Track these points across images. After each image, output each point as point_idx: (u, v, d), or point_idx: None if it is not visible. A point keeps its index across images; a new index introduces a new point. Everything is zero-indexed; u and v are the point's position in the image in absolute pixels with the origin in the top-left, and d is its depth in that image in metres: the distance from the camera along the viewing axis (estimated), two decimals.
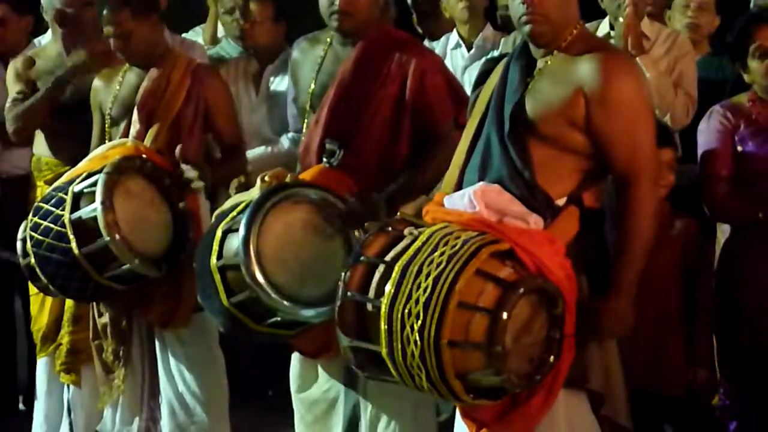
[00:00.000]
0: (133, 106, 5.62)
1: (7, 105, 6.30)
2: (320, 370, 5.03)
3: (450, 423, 4.38)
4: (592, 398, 4.16)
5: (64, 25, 6.12)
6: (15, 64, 6.33)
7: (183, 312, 5.50)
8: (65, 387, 6.18)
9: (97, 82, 5.86)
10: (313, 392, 5.07)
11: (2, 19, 7.09)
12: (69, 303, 6.03)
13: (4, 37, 7.18)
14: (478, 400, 3.98)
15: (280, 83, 7.03)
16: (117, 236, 5.15)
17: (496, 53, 6.22)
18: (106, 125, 5.75)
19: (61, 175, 5.98)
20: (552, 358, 3.96)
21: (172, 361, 5.66)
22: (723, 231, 5.37)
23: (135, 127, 5.58)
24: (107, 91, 5.78)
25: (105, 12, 5.54)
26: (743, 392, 5.11)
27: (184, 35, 7.51)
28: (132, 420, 5.76)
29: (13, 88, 6.25)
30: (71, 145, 6.11)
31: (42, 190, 6.15)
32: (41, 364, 6.28)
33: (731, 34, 5.30)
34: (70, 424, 6.16)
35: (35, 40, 7.23)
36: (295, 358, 5.10)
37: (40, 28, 7.19)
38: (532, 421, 4.07)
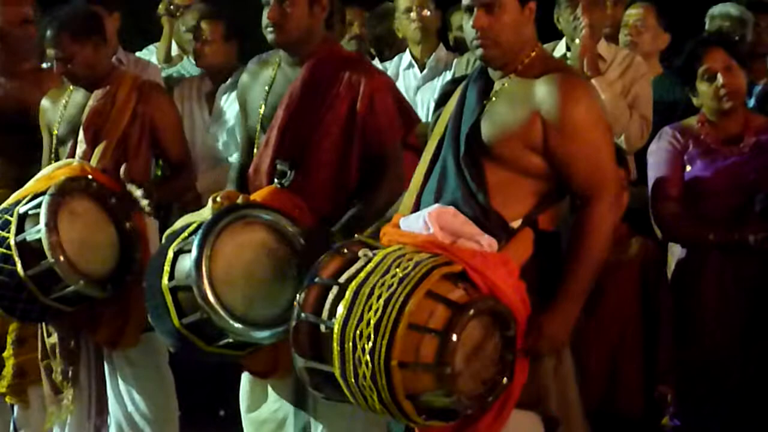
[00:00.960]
0: (79, 126, 5.61)
1: None
2: (270, 390, 5.01)
3: None
4: (547, 421, 4.16)
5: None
6: None
7: (131, 332, 5.49)
8: (11, 407, 6.19)
9: (45, 102, 5.86)
10: (263, 412, 5.05)
11: None
12: (13, 325, 6.03)
13: None
14: (430, 421, 3.99)
15: (233, 102, 7.01)
16: (61, 258, 5.14)
17: (448, 74, 6.24)
18: (53, 145, 5.74)
19: None
20: (505, 379, 3.98)
21: (120, 381, 5.65)
22: (673, 252, 5.45)
23: (81, 146, 5.58)
24: (54, 110, 5.78)
25: (46, 35, 5.55)
26: (695, 409, 5.15)
27: (137, 54, 7.49)
28: None
29: None
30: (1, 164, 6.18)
31: None
32: None
33: (680, 58, 5.35)
34: None
35: None
36: (245, 377, 5.09)
37: None
38: None
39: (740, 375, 5.07)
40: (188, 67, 7.56)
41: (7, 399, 6.15)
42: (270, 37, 4.91)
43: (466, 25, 4.24)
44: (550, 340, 4.05)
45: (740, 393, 5.07)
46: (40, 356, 5.77)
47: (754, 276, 5.10)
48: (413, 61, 6.91)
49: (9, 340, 6.08)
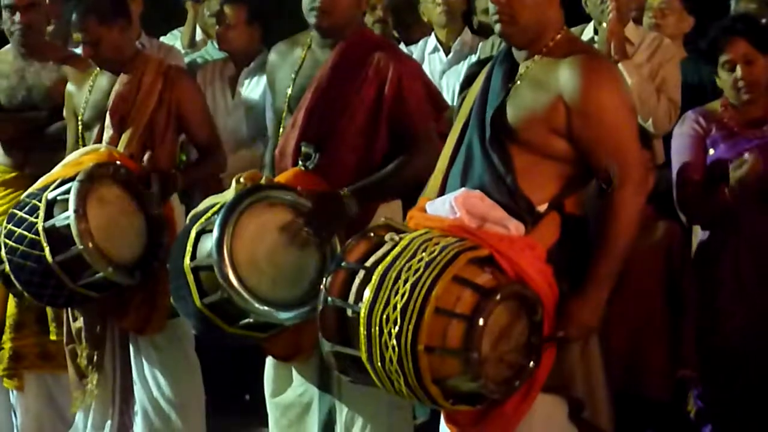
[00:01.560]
0: (105, 111, 5.63)
1: None
2: (294, 373, 5.02)
3: (427, 426, 4.40)
4: (573, 403, 4.17)
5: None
6: None
7: (158, 319, 5.51)
8: (10, 391, 6.25)
9: (70, 87, 5.89)
10: (288, 396, 5.06)
11: None
12: (11, 310, 6.13)
13: None
14: (457, 405, 4.02)
15: (255, 86, 7.07)
16: (90, 244, 5.17)
17: (473, 58, 6.24)
18: (79, 130, 5.76)
19: (12, 180, 6.18)
20: (531, 364, 3.99)
21: (146, 366, 5.67)
22: (696, 235, 5.44)
23: (108, 132, 5.59)
24: (79, 95, 5.79)
25: (73, 18, 5.57)
26: (719, 393, 5.16)
27: (162, 39, 7.51)
28: (103, 424, 5.76)
29: None
30: (17, 149, 6.24)
31: None
32: None
33: (704, 42, 5.35)
34: (18, 429, 6.25)
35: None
36: (270, 362, 5.11)
37: None
38: (508, 425, 4.10)
39: (761, 359, 5.09)
40: (212, 51, 7.58)
41: (5, 383, 6.22)
42: (314, 20, 4.91)
43: (489, 3, 4.21)
44: (579, 327, 4.06)
45: (761, 378, 5.09)
46: (65, 341, 5.79)
47: None
48: (438, 45, 6.93)
49: (7, 324, 6.14)
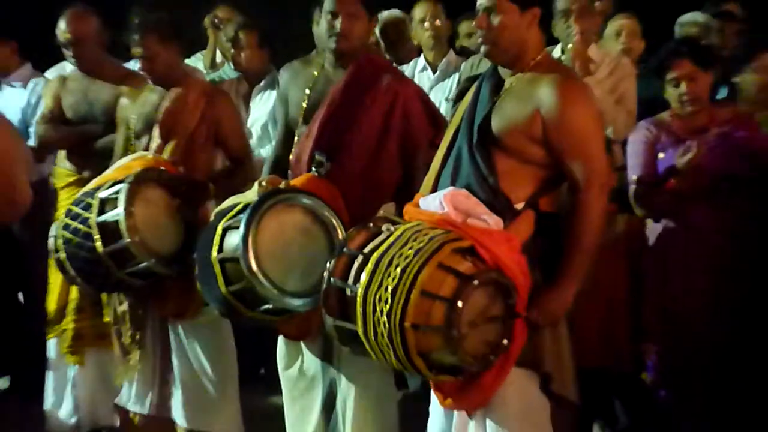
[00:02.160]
0: (153, 123, 5.61)
1: (37, 118, 6.50)
2: (303, 350, 5.02)
3: (418, 394, 4.37)
4: (543, 377, 4.15)
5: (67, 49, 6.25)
6: (50, 84, 6.50)
7: (195, 306, 5.46)
8: (69, 366, 6.26)
9: (123, 100, 5.87)
10: (296, 370, 5.07)
11: None
12: (73, 294, 6.14)
13: None
14: (439, 375, 4.01)
15: (266, 100, 7.11)
16: (136, 238, 5.14)
17: (456, 75, 6.23)
18: (130, 138, 5.74)
19: (75, 182, 6.19)
20: (505, 342, 3.96)
21: (187, 345, 5.63)
22: (649, 227, 5.45)
23: (155, 141, 5.56)
24: (131, 107, 5.77)
25: (135, 35, 5.56)
26: (673, 362, 5.18)
27: (186, 60, 7.49)
28: (146, 395, 5.72)
29: (47, 104, 6.39)
30: (80, 156, 6.26)
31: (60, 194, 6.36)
32: (50, 344, 6.35)
33: (655, 61, 5.42)
34: (75, 398, 6.27)
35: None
36: (281, 340, 5.11)
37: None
38: (485, 394, 4.08)
39: (708, 332, 5.11)
40: (228, 71, 7.60)
41: (66, 359, 6.22)
42: (334, 45, 4.90)
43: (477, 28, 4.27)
44: (548, 314, 4.08)
45: (708, 346, 5.10)
46: (112, 321, 5.77)
47: (716, 247, 5.14)
48: (427, 65, 7.01)
49: (69, 308, 6.17)
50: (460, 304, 3.80)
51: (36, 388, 6.60)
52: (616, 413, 5.35)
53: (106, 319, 5.99)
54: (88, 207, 5.26)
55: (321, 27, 4.97)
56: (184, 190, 5.40)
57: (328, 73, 5.02)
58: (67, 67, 6.57)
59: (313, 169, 4.89)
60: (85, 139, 6.22)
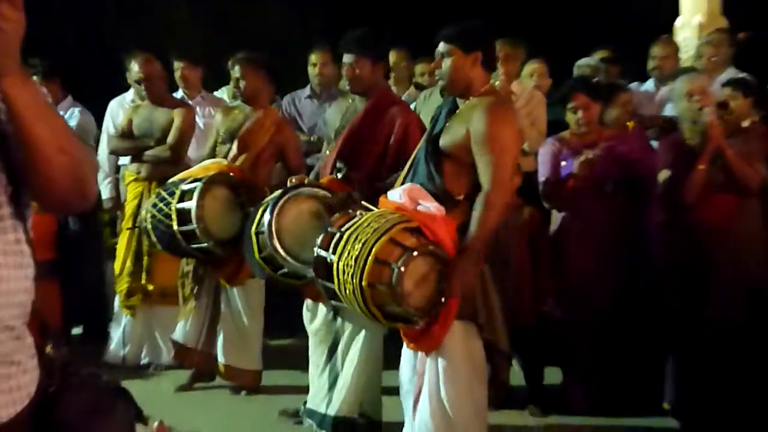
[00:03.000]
0: (235, 137, 5.64)
1: (111, 134, 6.59)
2: (320, 308, 5.02)
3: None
4: (478, 328, 4.15)
5: (139, 84, 6.34)
6: (127, 109, 6.58)
7: (242, 277, 5.52)
8: (124, 317, 6.31)
9: (218, 116, 5.94)
10: (317, 323, 5.07)
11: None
12: (128, 263, 6.19)
13: None
14: (391, 322, 4.06)
15: None
16: (201, 225, 5.21)
17: (413, 104, 6.25)
18: (217, 144, 5.78)
19: (135, 179, 6.31)
20: (442, 300, 3.99)
21: (232, 303, 5.69)
22: (554, 216, 5.47)
23: (233, 151, 5.61)
24: (223, 122, 5.79)
25: (236, 67, 5.65)
26: (570, 314, 5.22)
27: (215, 93, 7.53)
28: (197, 334, 5.76)
29: (121, 123, 6.46)
30: (137, 162, 6.33)
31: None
32: (116, 300, 6.39)
33: (559, 94, 5.43)
34: (126, 340, 6.33)
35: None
36: (307, 301, 5.12)
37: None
38: (436, 340, 4.09)
39: (594, 290, 5.17)
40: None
41: (123, 312, 6.28)
42: (349, 87, 5.04)
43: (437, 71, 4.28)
44: (461, 273, 4.00)
45: (594, 301, 5.17)
46: (179, 276, 5.84)
47: (601, 231, 5.20)
48: None
49: (125, 273, 6.24)
50: (402, 268, 3.84)
51: (101, 333, 6.66)
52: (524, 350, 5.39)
53: (143, 281, 6.14)
54: (172, 194, 5.32)
55: (344, 73, 5.03)
56: (245, 191, 5.42)
57: (356, 105, 5.07)
58: (127, 96, 6.60)
59: (334, 173, 4.95)
60: (141, 150, 6.27)
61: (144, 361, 6.33)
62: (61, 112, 7.14)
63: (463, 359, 4.14)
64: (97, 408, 2.11)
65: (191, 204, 5.21)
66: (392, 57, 6.82)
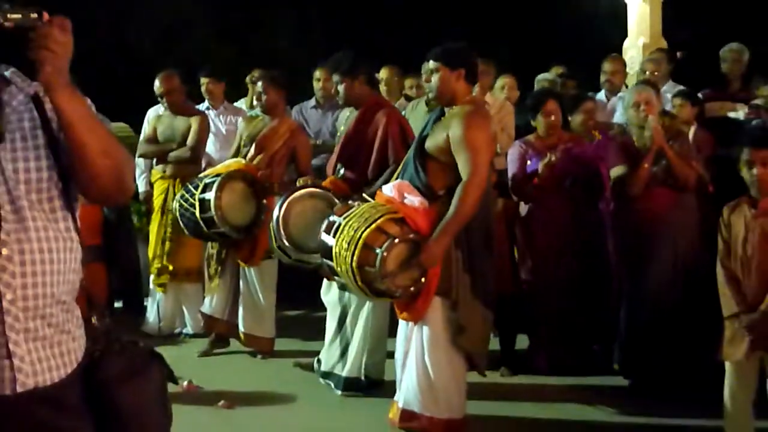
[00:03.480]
0: (254, 140, 5.62)
1: (141, 139, 6.49)
2: (333, 285, 5.00)
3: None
4: (452, 304, 4.14)
5: (162, 98, 6.27)
6: (151, 118, 6.51)
7: (257, 258, 5.50)
8: (158, 293, 6.28)
9: (241, 124, 5.89)
10: (331, 295, 5.06)
11: None
12: (158, 249, 6.14)
13: None
14: (377, 297, 4.12)
15: None
16: (219, 213, 5.21)
17: (404, 112, 6.25)
18: (240, 147, 5.74)
19: (161, 177, 6.26)
20: (423, 279, 4.03)
21: (249, 279, 5.66)
22: (521, 208, 5.44)
23: (251, 153, 5.59)
24: (245, 128, 5.78)
25: (260, 83, 5.64)
26: (536, 287, 5.25)
27: (235, 103, 7.50)
28: (222, 307, 5.76)
29: (149, 130, 6.40)
30: (162, 163, 6.29)
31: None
32: (151, 278, 6.34)
33: (529, 101, 5.36)
34: (160, 313, 6.28)
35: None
36: (325, 278, 5.08)
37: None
38: (419, 312, 4.13)
39: (557, 270, 5.16)
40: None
41: (156, 289, 6.26)
42: (341, 101, 5.04)
43: (425, 84, 4.32)
44: (430, 256, 3.99)
45: (557, 278, 5.16)
46: (206, 257, 5.84)
47: (563, 222, 5.16)
48: None
49: (156, 254, 6.20)
50: (385, 253, 3.89)
51: (138, 307, 6.66)
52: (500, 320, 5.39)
53: (170, 266, 6.12)
54: (197, 187, 5.33)
55: (339, 89, 5.01)
56: (259, 186, 5.42)
57: (354, 113, 5.06)
58: (160, 108, 6.62)
59: (335, 174, 4.97)
60: (166, 153, 6.24)
61: (177, 330, 6.32)
62: None
63: (443, 329, 4.14)
64: (134, 368, 2.13)
65: (211, 195, 5.22)
66: (385, 73, 6.76)
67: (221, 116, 6.96)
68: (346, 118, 5.25)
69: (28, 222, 1.95)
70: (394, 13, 12.78)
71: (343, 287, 4.79)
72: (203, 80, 7.02)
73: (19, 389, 1.92)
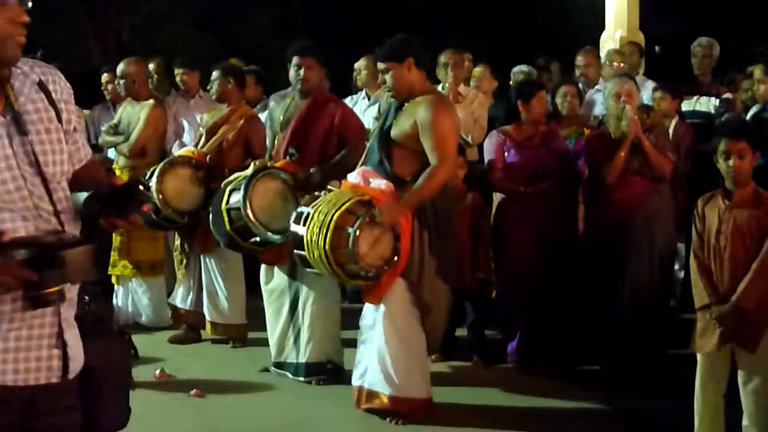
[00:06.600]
0: (214, 129, 5.57)
1: (104, 129, 6.39)
2: (276, 270, 5.00)
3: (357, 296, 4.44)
4: (410, 284, 4.20)
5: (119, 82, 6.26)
6: (120, 109, 6.41)
7: (211, 246, 5.43)
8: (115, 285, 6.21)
9: (206, 116, 5.82)
10: (272, 284, 5.03)
11: None
12: (115, 242, 6.03)
13: None
14: (354, 280, 4.17)
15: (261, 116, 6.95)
16: (161, 197, 5.17)
17: (379, 102, 6.23)
18: (201, 135, 5.66)
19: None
20: (395, 258, 4.07)
21: (209, 267, 5.64)
22: (496, 198, 5.42)
23: (203, 139, 5.57)
24: (207, 118, 5.74)
25: (214, 73, 5.61)
26: (506, 283, 5.24)
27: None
28: (187, 297, 5.74)
29: (116, 118, 6.35)
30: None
31: None
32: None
33: (513, 94, 5.30)
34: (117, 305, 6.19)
35: None
36: (263, 266, 5.08)
37: None
38: (382, 290, 4.17)
39: (529, 260, 5.10)
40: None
41: (113, 280, 6.19)
42: (299, 87, 4.94)
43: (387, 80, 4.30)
44: (387, 214, 4.04)
45: (530, 270, 5.10)
46: (174, 248, 5.86)
47: (536, 210, 5.09)
48: (365, 97, 6.80)
49: (113, 249, 6.09)
50: (357, 232, 3.93)
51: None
52: (466, 313, 5.39)
53: (123, 261, 6.04)
54: (145, 175, 5.33)
55: (291, 74, 5.00)
56: (205, 171, 5.36)
57: (297, 102, 5.03)
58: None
59: (287, 157, 4.93)
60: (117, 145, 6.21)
61: (141, 321, 6.22)
62: None
63: (400, 307, 4.21)
64: (101, 332, 2.27)
65: (152, 181, 5.17)
66: (363, 62, 6.73)
67: (198, 105, 6.87)
68: (287, 106, 5.14)
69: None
70: (374, 3, 12.76)
71: (291, 274, 4.86)
72: (177, 71, 6.95)
73: (71, 375, 2.12)
